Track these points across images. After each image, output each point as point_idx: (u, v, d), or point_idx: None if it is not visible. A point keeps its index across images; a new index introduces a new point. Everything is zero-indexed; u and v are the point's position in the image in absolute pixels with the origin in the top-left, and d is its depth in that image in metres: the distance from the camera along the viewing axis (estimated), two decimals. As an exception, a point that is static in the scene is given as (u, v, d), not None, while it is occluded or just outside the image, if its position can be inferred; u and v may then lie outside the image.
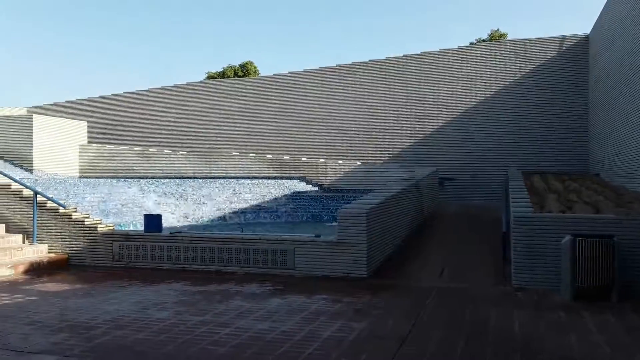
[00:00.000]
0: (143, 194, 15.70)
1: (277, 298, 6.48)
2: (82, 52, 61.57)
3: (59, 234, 9.25)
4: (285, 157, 18.37)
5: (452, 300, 6.44)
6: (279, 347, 4.63)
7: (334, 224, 8.56)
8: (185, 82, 22.11)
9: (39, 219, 9.33)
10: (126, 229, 11.61)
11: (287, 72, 20.76)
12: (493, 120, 18.20)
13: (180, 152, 19.23)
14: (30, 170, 17.99)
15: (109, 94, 22.86)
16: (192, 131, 21.73)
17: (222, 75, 32.31)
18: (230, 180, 17.48)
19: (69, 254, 9.13)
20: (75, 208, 9.66)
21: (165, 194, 15.93)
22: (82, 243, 9.09)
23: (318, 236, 8.16)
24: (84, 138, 20.33)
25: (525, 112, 17.91)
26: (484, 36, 29.96)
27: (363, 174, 17.19)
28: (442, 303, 6.28)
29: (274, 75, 21.04)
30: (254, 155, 18.73)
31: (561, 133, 17.61)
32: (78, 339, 4.88)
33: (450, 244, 10.03)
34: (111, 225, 9.67)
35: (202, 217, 15.32)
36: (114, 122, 22.59)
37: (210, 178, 17.93)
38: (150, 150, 19.61)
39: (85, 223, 9.16)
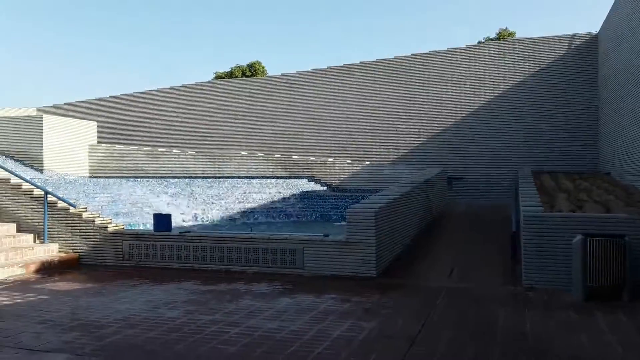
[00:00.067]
0: (154, 194, 15.78)
1: (287, 297, 6.49)
2: (82, 52, 61.99)
3: (69, 233, 9.31)
4: (293, 157, 18.39)
5: (461, 300, 6.42)
6: (289, 346, 4.64)
7: (343, 223, 8.57)
8: (194, 82, 22.22)
9: (50, 218, 9.40)
10: (136, 228, 11.68)
11: (295, 72, 20.78)
12: (502, 119, 18.10)
13: (189, 152, 19.31)
14: (41, 170, 18.14)
15: (119, 94, 23.01)
16: (200, 131, 21.80)
17: (230, 75, 32.40)
18: (239, 179, 17.53)
19: (80, 254, 9.19)
20: (86, 208, 9.73)
21: (175, 193, 16.01)
22: (92, 242, 9.15)
23: (327, 236, 8.16)
24: (93, 138, 20.47)
25: (535, 111, 17.80)
26: (493, 35, 29.83)
27: (371, 173, 17.18)
28: (451, 303, 6.26)
29: (282, 75, 21.07)
30: (263, 155, 18.76)
31: (571, 132, 17.48)
32: (89, 337, 4.92)
33: (459, 244, 10.01)
34: (121, 224, 9.73)
35: (211, 217, 15.38)
36: (123, 122, 22.72)
37: (219, 178, 17.99)
38: (159, 150, 19.72)
39: (96, 222, 9.22)
